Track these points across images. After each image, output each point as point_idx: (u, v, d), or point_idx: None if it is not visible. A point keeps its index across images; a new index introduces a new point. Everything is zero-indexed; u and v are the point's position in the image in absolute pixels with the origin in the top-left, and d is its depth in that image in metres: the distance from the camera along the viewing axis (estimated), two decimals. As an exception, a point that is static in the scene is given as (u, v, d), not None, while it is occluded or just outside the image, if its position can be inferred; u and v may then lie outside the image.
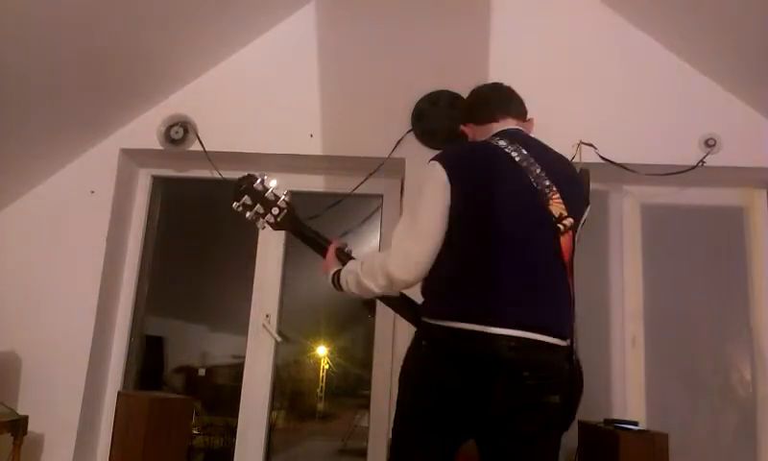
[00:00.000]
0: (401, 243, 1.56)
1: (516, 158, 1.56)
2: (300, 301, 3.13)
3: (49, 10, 2.26)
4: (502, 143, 1.60)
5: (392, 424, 1.65)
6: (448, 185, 1.52)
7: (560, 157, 1.70)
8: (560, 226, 1.52)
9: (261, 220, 1.73)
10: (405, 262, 1.54)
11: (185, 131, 2.96)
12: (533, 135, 1.74)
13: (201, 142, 2.96)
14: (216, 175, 3.02)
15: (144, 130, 3.01)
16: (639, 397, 2.78)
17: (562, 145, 2.68)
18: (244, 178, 1.73)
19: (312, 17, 3.04)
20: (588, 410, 2.59)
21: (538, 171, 1.55)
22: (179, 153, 3.00)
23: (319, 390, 3.36)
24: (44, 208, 3.04)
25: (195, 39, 2.88)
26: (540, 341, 1.47)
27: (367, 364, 2.93)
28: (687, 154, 2.69)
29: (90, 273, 2.94)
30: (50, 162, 3.02)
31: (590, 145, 2.71)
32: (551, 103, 2.79)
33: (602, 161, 2.69)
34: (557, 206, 1.53)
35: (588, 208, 1.66)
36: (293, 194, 3.10)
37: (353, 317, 3.24)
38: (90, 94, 2.77)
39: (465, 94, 2.79)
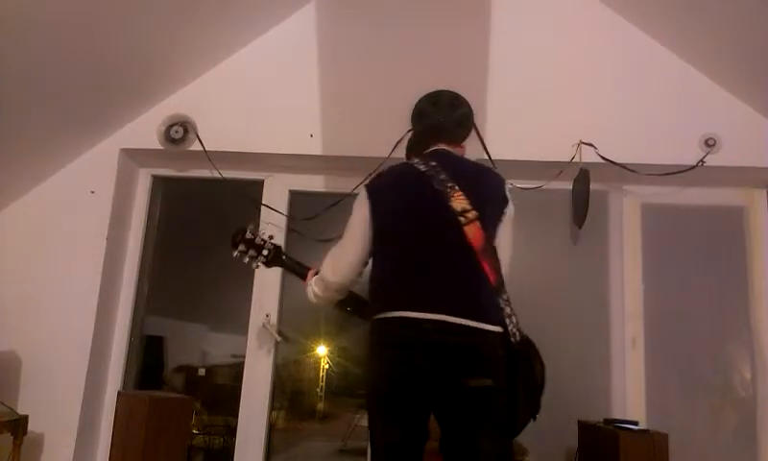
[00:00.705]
0: (331, 252, 1.92)
1: (422, 169, 1.81)
2: (300, 301, 3.10)
3: (49, 10, 2.26)
4: (415, 160, 1.87)
5: None
6: (367, 203, 1.82)
7: (476, 167, 1.94)
8: (461, 218, 1.71)
9: (255, 262, 2.10)
10: (333, 265, 1.89)
11: (185, 130, 2.97)
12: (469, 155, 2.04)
13: (201, 142, 2.96)
14: (216, 175, 3.02)
15: (144, 129, 3.02)
16: (639, 397, 2.78)
17: (562, 145, 2.73)
18: (237, 231, 2.10)
19: (312, 17, 3.04)
20: (589, 410, 2.61)
21: (442, 176, 1.78)
22: (179, 152, 3.00)
23: (319, 390, 3.36)
24: (44, 208, 3.04)
25: (195, 39, 2.88)
26: (460, 324, 1.64)
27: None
28: (687, 154, 2.69)
29: (90, 273, 2.94)
30: (50, 162, 3.02)
31: (590, 145, 2.71)
32: (551, 103, 2.81)
33: (602, 161, 2.69)
34: (459, 202, 1.73)
35: (508, 205, 1.83)
36: (293, 194, 3.13)
37: (353, 317, 3.23)
38: (90, 94, 2.77)
39: (465, 94, 2.85)
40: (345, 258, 1.87)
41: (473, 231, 1.71)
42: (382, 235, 1.80)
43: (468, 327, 1.64)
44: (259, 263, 2.11)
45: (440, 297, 1.67)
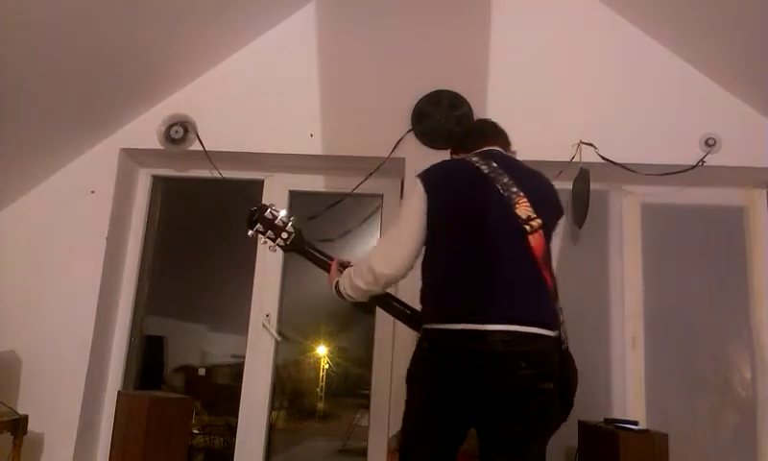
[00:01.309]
0: (383, 242, 1.86)
1: (485, 170, 1.74)
2: (299, 301, 3.13)
3: (49, 10, 2.26)
4: (474, 159, 1.79)
5: (400, 424, 1.78)
6: (424, 195, 1.73)
7: (532, 172, 1.85)
8: (527, 226, 1.67)
9: (272, 243, 1.94)
10: (386, 257, 1.76)
11: (185, 130, 2.97)
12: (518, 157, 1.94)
13: (201, 142, 2.96)
14: (216, 174, 3.02)
15: (144, 129, 3.02)
16: (639, 397, 2.78)
17: (562, 145, 2.73)
18: (256, 208, 1.93)
19: (312, 17, 3.04)
20: (589, 410, 2.60)
21: (505, 180, 1.72)
22: (179, 152, 3.00)
23: (319, 390, 3.36)
24: (44, 208, 3.04)
25: (195, 39, 2.88)
26: (528, 333, 1.61)
27: (367, 364, 2.93)
28: (687, 153, 2.69)
29: (90, 273, 2.94)
30: (50, 162, 3.02)
31: (590, 145, 2.71)
32: (551, 103, 2.81)
33: (602, 161, 2.69)
34: (524, 209, 1.69)
35: (563, 216, 1.85)
36: (293, 194, 3.13)
37: (353, 317, 3.24)
38: (90, 94, 2.77)
39: (465, 94, 2.84)
40: (400, 251, 1.74)
41: (536, 240, 1.68)
42: (441, 231, 1.72)
43: (535, 334, 1.63)
44: (277, 247, 1.96)
45: (506, 307, 1.63)
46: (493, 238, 1.68)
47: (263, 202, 1.96)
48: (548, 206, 1.78)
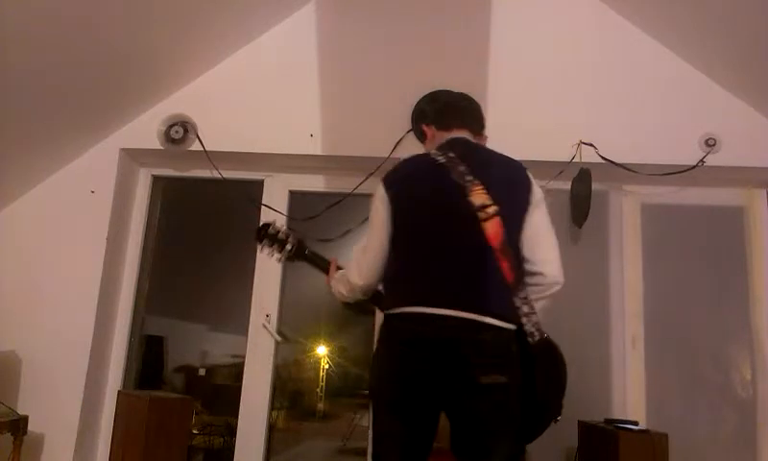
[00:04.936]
0: (356, 253, 1.90)
1: (441, 161, 1.76)
2: (299, 301, 3.13)
3: (49, 10, 2.26)
4: (434, 152, 1.81)
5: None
6: (386, 198, 1.78)
7: (500, 160, 1.83)
8: (481, 213, 1.66)
9: (278, 254, 2.13)
10: (357, 268, 1.87)
11: (185, 130, 2.97)
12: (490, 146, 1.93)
13: (201, 142, 2.96)
14: (216, 175, 3.02)
15: (144, 129, 3.01)
16: (639, 397, 2.78)
17: (562, 145, 2.73)
18: (261, 226, 2.15)
19: (312, 17, 3.04)
20: (589, 410, 2.60)
21: (461, 169, 1.72)
22: (179, 152, 3.00)
23: (319, 390, 3.36)
24: (44, 208, 3.04)
25: (195, 39, 2.88)
26: (474, 320, 1.61)
27: (367, 364, 2.92)
28: (687, 153, 2.69)
29: (90, 273, 2.94)
30: (50, 162, 3.02)
31: (590, 145, 2.71)
32: (551, 102, 2.81)
33: (602, 161, 2.69)
34: (478, 197, 1.68)
35: (532, 192, 1.76)
36: (293, 194, 3.13)
37: (353, 317, 3.23)
38: (90, 94, 2.77)
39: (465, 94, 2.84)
40: (368, 261, 1.83)
41: (493, 228, 1.66)
42: (400, 229, 1.76)
43: (482, 322, 1.61)
44: (283, 257, 2.13)
45: (454, 293, 1.63)
46: (445, 227, 1.70)
47: (271, 222, 2.18)
48: (510, 194, 1.73)
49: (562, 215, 2.89)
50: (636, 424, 2.36)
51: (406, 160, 1.91)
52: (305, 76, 2.96)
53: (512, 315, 1.66)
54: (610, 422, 2.43)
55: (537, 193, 1.76)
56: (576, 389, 2.70)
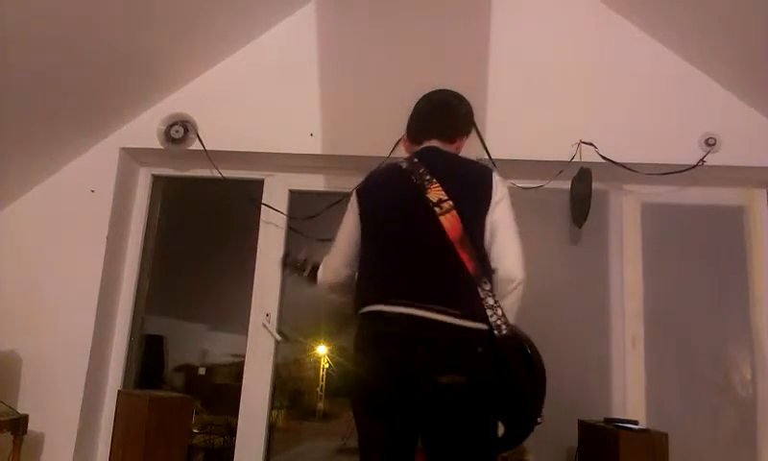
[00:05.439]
0: (325, 256, 2.00)
1: (404, 166, 1.84)
2: (299, 300, 3.13)
3: (49, 9, 2.26)
4: (401, 160, 1.89)
5: None
6: (356, 204, 1.88)
7: (461, 162, 1.89)
8: (437, 208, 1.69)
9: (300, 276, 2.18)
10: (324, 267, 2.00)
11: (185, 130, 2.97)
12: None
13: (201, 141, 2.96)
14: (216, 174, 3.02)
15: (144, 129, 3.02)
16: (639, 396, 2.78)
17: (562, 145, 2.73)
18: (284, 255, 2.27)
19: (312, 17, 3.04)
20: (589, 409, 2.61)
21: (420, 170, 1.78)
22: (179, 152, 3.00)
23: (319, 389, 3.36)
24: (44, 208, 3.04)
25: (195, 39, 2.88)
26: (426, 317, 1.60)
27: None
28: (687, 153, 2.69)
29: (90, 273, 2.94)
30: (50, 162, 3.02)
31: (591, 144, 2.71)
32: (551, 103, 2.81)
33: (602, 161, 2.69)
34: (435, 193, 1.72)
35: (494, 190, 1.77)
36: (293, 193, 3.13)
37: (353, 317, 3.23)
38: (90, 94, 2.77)
39: (465, 94, 2.81)
40: (333, 260, 1.95)
41: (450, 221, 1.67)
42: (364, 232, 1.84)
43: (435, 320, 1.59)
44: (304, 279, 2.20)
45: (411, 290, 1.64)
46: (402, 225, 1.75)
47: (291, 250, 2.31)
48: (469, 190, 1.75)
49: (562, 215, 2.89)
50: (636, 423, 2.36)
51: (376, 170, 2.03)
52: (305, 76, 2.96)
53: (474, 307, 1.63)
54: (610, 421, 2.43)
55: (498, 192, 1.76)
56: (576, 389, 2.72)
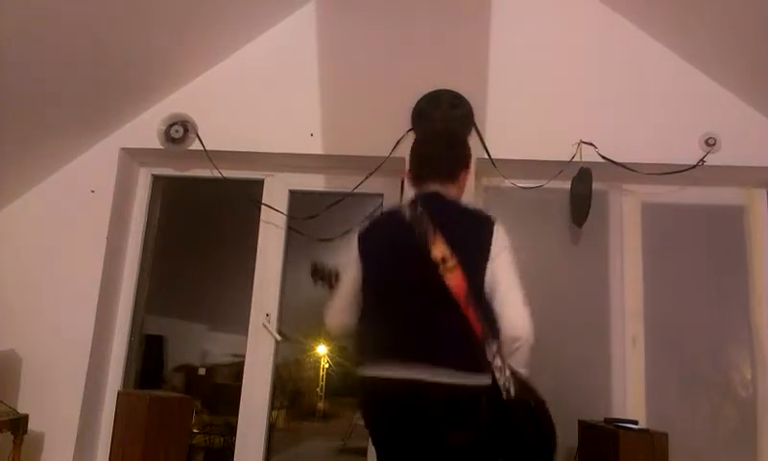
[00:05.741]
0: (331, 301, 1.98)
1: (408, 218, 1.77)
2: (299, 300, 3.13)
3: (49, 9, 2.27)
4: (404, 207, 1.83)
5: None
6: (357, 254, 1.86)
7: (467, 212, 1.85)
8: (442, 266, 1.66)
9: (324, 284, 2.18)
10: (328, 316, 1.97)
11: (185, 130, 2.97)
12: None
13: (201, 141, 2.96)
14: (216, 174, 3.02)
15: (144, 129, 3.02)
16: (639, 396, 2.77)
17: (562, 145, 2.73)
18: (312, 265, 2.20)
19: (312, 17, 3.04)
20: (589, 409, 2.61)
21: (425, 223, 1.72)
22: (179, 152, 3.00)
23: (319, 389, 3.36)
24: (44, 208, 3.04)
25: (195, 39, 2.88)
26: (434, 383, 1.58)
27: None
28: (688, 153, 2.69)
29: (90, 273, 2.94)
30: (50, 162, 3.02)
31: (591, 144, 2.71)
32: (551, 103, 2.81)
33: (602, 161, 2.69)
34: (438, 249, 1.67)
35: (494, 242, 1.74)
36: (293, 193, 3.13)
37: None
38: (90, 93, 2.77)
39: (465, 94, 2.84)
40: (335, 311, 1.95)
41: (455, 279, 1.64)
42: (368, 285, 1.82)
43: (446, 384, 1.58)
44: (329, 287, 2.21)
45: (419, 355, 1.62)
46: (406, 282, 1.71)
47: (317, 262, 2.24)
48: (472, 246, 1.71)
49: (562, 214, 2.89)
50: (635, 423, 2.36)
51: (379, 217, 2.01)
52: (305, 76, 2.96)
53: (482, 371, 1.62)
54: (610, 421, 2.43)
55: (498, 245, 1.72)
56: (576, 388, 2.72)
